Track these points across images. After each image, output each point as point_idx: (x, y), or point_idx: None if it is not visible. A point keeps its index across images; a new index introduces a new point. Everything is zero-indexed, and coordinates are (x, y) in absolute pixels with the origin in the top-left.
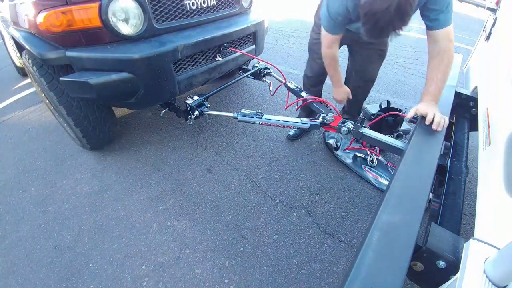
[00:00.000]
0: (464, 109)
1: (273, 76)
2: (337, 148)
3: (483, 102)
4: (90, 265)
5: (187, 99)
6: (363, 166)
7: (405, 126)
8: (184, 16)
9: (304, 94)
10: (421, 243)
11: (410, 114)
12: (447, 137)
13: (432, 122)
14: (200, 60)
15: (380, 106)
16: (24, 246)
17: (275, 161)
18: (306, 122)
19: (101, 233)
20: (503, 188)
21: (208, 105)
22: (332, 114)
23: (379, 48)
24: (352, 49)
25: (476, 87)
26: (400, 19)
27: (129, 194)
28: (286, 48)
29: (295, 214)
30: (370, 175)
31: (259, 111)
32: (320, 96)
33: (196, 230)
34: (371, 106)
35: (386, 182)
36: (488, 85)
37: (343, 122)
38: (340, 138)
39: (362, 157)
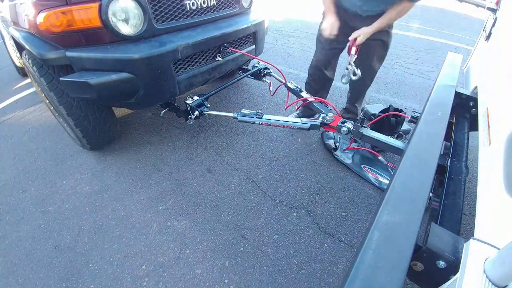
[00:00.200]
0: (464, 109)
1: (273, 76)
2: (336, 149)
3: (483, 102)
4: (90, 265)
5: (187, 99)
6: (362, 166)
7: (405, 126)
8: (184, 16)
9: (304, 94)
10: (421, 243)
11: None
12: (447, 137)
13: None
14: (200, 60)
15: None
16: (24, 246)
17: (275, 161)
18: (306, 122)
19: (101, 233)
20: (503, 188)
21: (208, 105)
22: (332, 114)
23: (381, 38)
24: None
25: (476, 87)
26: None
27: (129, 194)
28: (286, 48)
29: (295, 214)
30: (370, 174)
31: (259, 111)
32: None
33: (196, 230)
34: (371, 106)
35: (387, 181)
36: (488, 85)
37: (343, 122)
38: (338, 138)
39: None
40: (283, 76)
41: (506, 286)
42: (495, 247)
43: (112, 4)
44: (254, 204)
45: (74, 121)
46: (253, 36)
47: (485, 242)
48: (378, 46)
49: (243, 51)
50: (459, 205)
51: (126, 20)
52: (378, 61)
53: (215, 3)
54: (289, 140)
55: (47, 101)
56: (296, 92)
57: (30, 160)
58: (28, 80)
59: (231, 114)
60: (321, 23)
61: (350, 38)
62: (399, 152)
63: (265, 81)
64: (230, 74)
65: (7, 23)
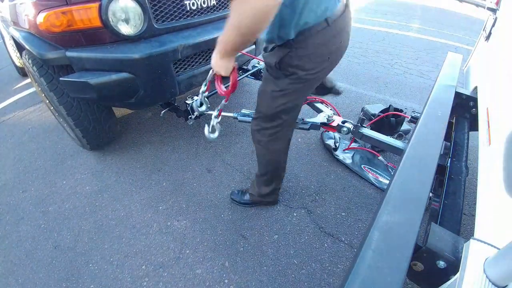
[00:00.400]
0: (464, 109)
1: None
2: (336, 149)
3: (483, 102)
4: (90, 265)
5: (187, 99)
6: (362, 166)
7: (405, 126)
8: (184, 16)
9: None
10: (421, 243)
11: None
12: (447, 137)
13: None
14: (200, 60)
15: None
16: (24, 246)
17: None
18: (306, 122)
19: (101, 233)
20: (503, 188)
21: (208, 105)
22: (332, 114)
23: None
24: None
25: (476, 87)
26: None
27: (129, 194)
28: None
29: (295, 214)
30: (370, 174)
31: None
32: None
33: (196, 230)
34: (371, 106)
35: (387, 181)
36: (488, 85)
37: (343, 122)
38: (338, 138)
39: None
40: None
41: (506, 286)
42: (495, 247)
43: (112, 4)
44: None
45: (74, 121)
46: None
47: (485, 242)
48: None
49: (243, 51)
50: (459, 205)
51: (126, 20)
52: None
53: (215, 3)
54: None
55: (47, 101)
56: None
57: (30, 160)
58: (28, 80)
59: (231, 114)
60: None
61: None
62: (399, 152)
63: None
64: None
65: (7, 23)
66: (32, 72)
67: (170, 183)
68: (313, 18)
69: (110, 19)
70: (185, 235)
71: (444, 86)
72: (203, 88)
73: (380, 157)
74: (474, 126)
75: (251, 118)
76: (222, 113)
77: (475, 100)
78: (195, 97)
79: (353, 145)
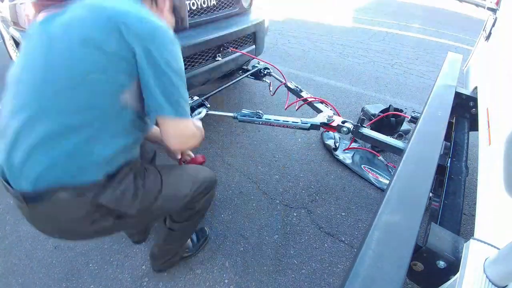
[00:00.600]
0: (464, 109)
1: (273, 76)
2: (336, 149)
3: (483, 102)
4: (90, 265)
5: None
6: (362, 166)
7: (405, 126)
8: None
9: (304, 94)
10: (421, 243)
11: None
12: (447, 137)
13: None
14: (200, 60)
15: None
16: (24, 246)
17: (275, 161)
18: (306, 122)
19: None
20: (503, 188)
21: (208, 105)
22: (332, 114)
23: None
24: None
25: (476, 87)
26: None
27: None
28: (286, 48)
29: (295, 214)
30: (370, 174)
31: (259, 111)
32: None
33: None
34: (371, 106)
35: (387, 181)
36: (488, 85)
37: (343, 122)
38: (338, 138)
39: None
40: (283, 76)
41: (506, 286)
42: (495, 247)
43: None
44: (254, 204)
45: None
46: (253, 36)
47: (485, 242)
48: None
49: (243, 51)
50: (459, 205)
51: None
52: None
53: (215, 3)
54: (289, 140)
55: None
56: (296, 92)
57: None
58: None
59: (231, 114)
60: None
61: None
62: (399, 152)
63: (265, 81)
64: (230, 74)
65: (7, 23)
66: None
67: None
68: None
69: None
70: None
71: (444, 86)
72: None
73: (380, 157)
74: (474, 126)
75: (251, 118)
76: (222, 113)
77: (475, 100)
78: (195, 97)
79: (353, 145)
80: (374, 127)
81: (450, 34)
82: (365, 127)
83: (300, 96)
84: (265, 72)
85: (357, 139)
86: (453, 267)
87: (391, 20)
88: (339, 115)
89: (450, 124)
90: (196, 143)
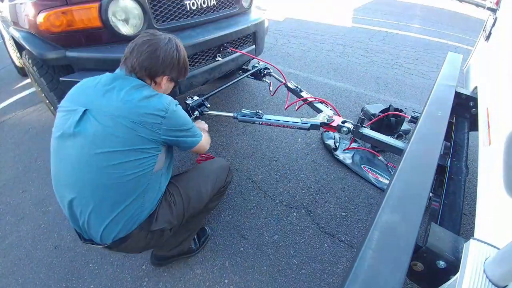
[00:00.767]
0: (464, 109)
1: (273, 76)
2: (336, 149)
3: (483, 102)
4: (90, 265)
5: (187, 99)
6: (362, 166)
7: (405, 126)
8: (184, 16)
9: (304, 94)
10: (421, 243)
11: None
12: (447, 137)
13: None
14: (200, 60)
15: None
16: (24, 246)
17: (275, 161)
18: (306, 122)
19: None
20: (503, 188)
21: (208, 105)
22: (332, 114)
23: None
24: None
25: (476, 87)
26: None
27: None
28: (286, 48)
29: (295, 214)
30: (370, 174)
31: (259, 111)
32: None
33: None
34: (371, 106)
35: (387, 181)
36: (488, 85)
37: (343, 122)
38: (338, 138)
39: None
40: (283, 76)
41: (506, 286)
42: (495, 247)
43: (112, 4)
44: (254, 204)
45: None
46: (253, 36)
47: (485, 242)
48: None
49: (243, 51)
50: (459, 205)
51: (126, 20)
52: None
53: (215, 3)
54: (289, 140)
55: (47, 101)
56: (296, 92)
57: (30, 160)
58: (28, 80)
59: (231, 114)
60: None
61: None
62: (399, 152)
63: (265, 81)
64: (230, 74)
65: (7, 23)
66: (32, 72)
67: None
68: None
69: (110, 19)
70: None
71: (444, 86)
72: None
73: (380, 157)
74: (474, 126)
75: (251, 118)
76: (222, 113)
77: (475, 100)
78: (195, 97)
79: (353, 145)
80: (374, 127)
81: (450, 34)
82: (365, 127)
83: (300, 96)
84: (265, 72)
85: (357, 139)
86: (453, 267)
87: (391, 20)
88: (339, 115)
89: (450, 124)
90: (208, 146)
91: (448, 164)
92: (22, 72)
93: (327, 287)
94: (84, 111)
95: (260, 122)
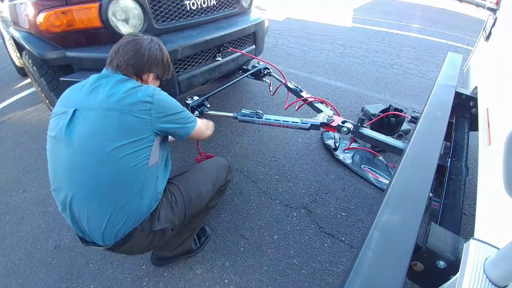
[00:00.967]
0: (464, 109)
1: (273, 76)
2: (336, 149)
3: (483, 102)
4: (90, 265)
5: (187, 99)
6: (362, 166)
7: (405, 126)
8: (184, 16)
9: (304, 94)
10: (421, 243)
11: None
12: (447, 137)
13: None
14: (200, 60)
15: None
16: (24, 246)
17: (275, 161)
18: (306, 122)
19: None
20: (503, 188)
21: (208, 105)
22: (332, 114)
23: None
24: None
25: (476, 87)
26: None
27: None
28: (286, 48)
29: (295, 214)
30: (370, 174)
31: (259, 111)
32: None
33: None
34: (371, 106)
35: (387, 181)
36: (488, 85)
37: (343, 122)
38: (338, 138)
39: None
40: (283, 76)
41: (506, 286)
42: (495, 247)
43: (112, 4)
44: (254, 204)
45: None
46: (253, 36)
47: (485, 242)
48: None
49: (243, 51)
50: (459, 205)
51: (126, 20)
52: None
53: (215, 3)
54: (289, 140)
55: (47, 101)
56: (296, 92)
57: (30, 160)
58: (28, 80)
59: (231, 114)
60: None
61: None
62: (399, 152)
63: (265, 81)
64: (230, 74)
65: (7, 23)
66: (32, 72)
67: None
68: None
69: (110, 19)
70: None
71: (444, 86)
72: None
73: (380, 157)
74: (474, 126)
75: (251, 118)
76: (222, 113)
77: (475, 100)
78: (195, 97)
79: (353, 145)
80: (374, 127)
81: (450, 34)
82: (365, 127)
83: (300, 96)
84: (265, 72)
85: (357, 139)
86: (453, 267)
87: (391, 20)
88: (339, 115)
89: (450, 124)
90: (211, 132)
91: (448, 164)
92: (22, 72)
93: (327, 287)
94: (74, 111)
95: (260, 122)
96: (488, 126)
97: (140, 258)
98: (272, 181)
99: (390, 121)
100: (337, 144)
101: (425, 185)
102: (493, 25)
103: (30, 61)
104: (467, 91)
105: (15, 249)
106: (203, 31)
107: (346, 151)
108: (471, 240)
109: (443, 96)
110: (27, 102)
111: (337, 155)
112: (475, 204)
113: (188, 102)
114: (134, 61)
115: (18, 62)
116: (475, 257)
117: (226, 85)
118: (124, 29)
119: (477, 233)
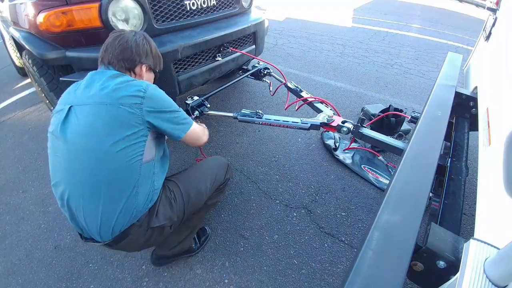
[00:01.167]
0: (464, 109)
1: (273, 76)
2: (336, 149)
3: (483, 102)
4: (90, 265)
5: (187, 99)
6: (362, 166)
7: (405, 126)
8: (184, 16)
9: (304, 94)
10: (421, 243)
11: None
12: (447, 137)
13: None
14: (200, 60)
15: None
16: (24, 246)
17: (275, 161)
18: (306, 122)
19: None
20: (503, 188)
21: (208, 105)
22: (332, 114)
23: None
24: None
25: (476, 87)
26: None
27: None
28: (286, 48)
29: (295, 214)
30: (370, 174)
31: (259, 111)
32: None
33: None
34: (371, 106)
35: (387, 181)
36: (488, 85)
37: (343, 122)
38: (338, 138)
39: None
40: (283, 76)
41: (506, 286)
42: (495, 247)
43: (112, 4)
44: (254, 204)
45: None
46: (253, 36)
47: (485, 242)
48: None
49: (243, 51)
50: (459, 205)
51: (126, 20)
52: None
53: (215, 3)
54: (289, 140)
55: (47, 101)
56: (296, 92)
57: (30, 160)
58: (28, 80)
59: (231, 114)
60: None
61: None
62: (399, 152)
63: (265, 81)
64: (230, 74)
65: (7, 23)
66: (32, 72)
67: None
68: None
69: (110, 19)
70: None
71: (444, 86)
72: None
73: (380, 157)
74: (474, 126)
75: (251, 118)
76: (222, 113)
77: (475, 100)
78: (195, 97)
79: (353, 145)
80: (374, 127)
81: (450, 34)
82: (365, 127)
83: (300, 96)
84: (265, 72)
85: (357, 139)
86: (453, 267)
87: (391, 20)
88: (339, 115)
89: (450, 124)
90: (206, 137)
91: (448, 164)
92: (22, 72)
93: (327, 287)
94: (69, 108)
95: (260, 122)
96: (488, 126)
97: (140, 258)
98: (272, 181)
99: (390, 121)
100: (337, 144)
101: (425, 185)
102: (493, 25)
103: (30, 61)
104: (467, 91)
105: (15, 249)
106: (203, 31)
107: (346, 151)
108: (471, 240)
109: (443, 96)
110: (27, 102)
111: (337, 155)
112: (475, 204)
113: (188, 102)
114: (123, 55)
115: (18, 62)
116: (475, 257)
117: (226, 85)
118: (124, 29)
119: (477, 233)
